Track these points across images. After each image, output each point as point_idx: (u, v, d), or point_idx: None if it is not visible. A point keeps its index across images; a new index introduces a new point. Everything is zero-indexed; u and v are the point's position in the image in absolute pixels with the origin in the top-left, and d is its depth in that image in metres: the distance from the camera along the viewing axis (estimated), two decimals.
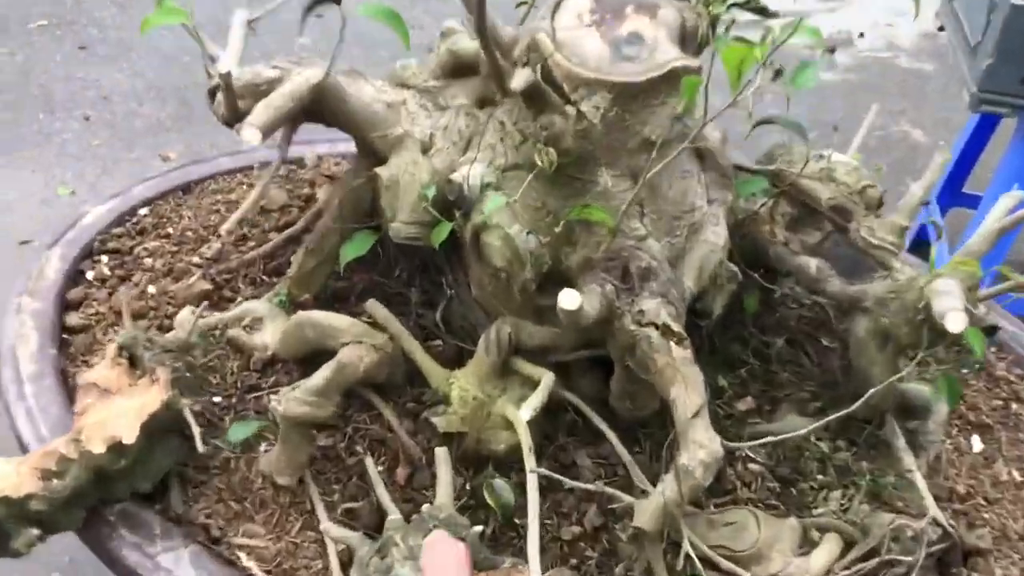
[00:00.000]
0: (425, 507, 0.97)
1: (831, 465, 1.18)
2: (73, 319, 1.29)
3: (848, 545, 1.08)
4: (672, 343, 1.01)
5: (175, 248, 1.41)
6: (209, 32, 1.14)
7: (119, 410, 1.05)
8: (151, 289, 1.33)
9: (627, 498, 1.01)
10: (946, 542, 1.11)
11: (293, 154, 1.62)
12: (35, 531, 1.00)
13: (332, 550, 1.05)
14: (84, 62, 3.69)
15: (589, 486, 1.02)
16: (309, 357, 1.17)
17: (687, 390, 0.99)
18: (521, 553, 1.05)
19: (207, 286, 1.33)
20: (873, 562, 1.05)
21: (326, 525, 0.99)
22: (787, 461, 1.18)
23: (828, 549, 1.07)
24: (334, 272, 1.30)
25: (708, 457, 0.96)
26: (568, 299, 0.93)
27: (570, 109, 1.00)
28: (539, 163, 0.99)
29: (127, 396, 1.07)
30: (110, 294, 1.34)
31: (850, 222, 1.18)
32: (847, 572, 1.04)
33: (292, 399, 1.04)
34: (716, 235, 1.09)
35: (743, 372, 1.27)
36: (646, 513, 0.97)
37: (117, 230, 1.44)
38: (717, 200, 1.11)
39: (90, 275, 1.37)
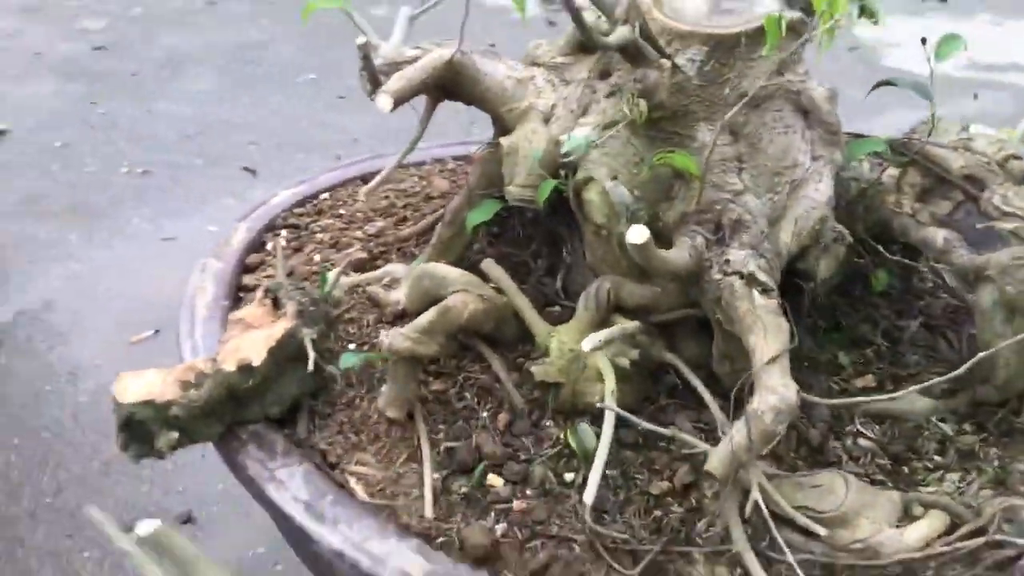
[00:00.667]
0: None
1: (953, 448, 1.10)
2: (248, 280, 1.46)
3: (956, 526, 1.01)
4: (755, 291, 1.00)
5: (344, 226, 1.56)
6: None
7: (253, 339, 1.18)
8: (316, 257, 1.48)
9: (703, 446, 1.00)
10: None
11: (461, 151, 1.75)
12: (175, 434, 1.14)
13: (428, 482, 1.12)
14: (341, 110, 4.10)
15: (663, 430, 1.02)
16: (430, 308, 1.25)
17: (766, 337, 0.97)
18: (611, 504, 1.07)
19: (363, 255, 1.46)
20: (978, 541, 0.97)
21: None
22: (902, 439, 1.11)
23: (929, 524, 1.00)
24: (471, 244, 1.39)
25: (780, 403, 0.94)
26: (636, 233, 0.95)
27: (665, 62, 1.04)
28: (628, 114, 1.03)
29: (264, 329, 1.20)
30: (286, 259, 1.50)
31: (983, 191, 1.11)
32: (945, 548, 0.97)
33: (398, 335, 1.13)
34: (818, 192, 1.07)
35: (869, 352, 1.21)
36: (716, 458, 0.96)
37: (299, 210, 1.62)
38: (823, 158, 1.09)
39: (269, 246, 1.54)
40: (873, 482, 1.07)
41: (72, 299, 3.08)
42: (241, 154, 3.73)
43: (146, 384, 1.13)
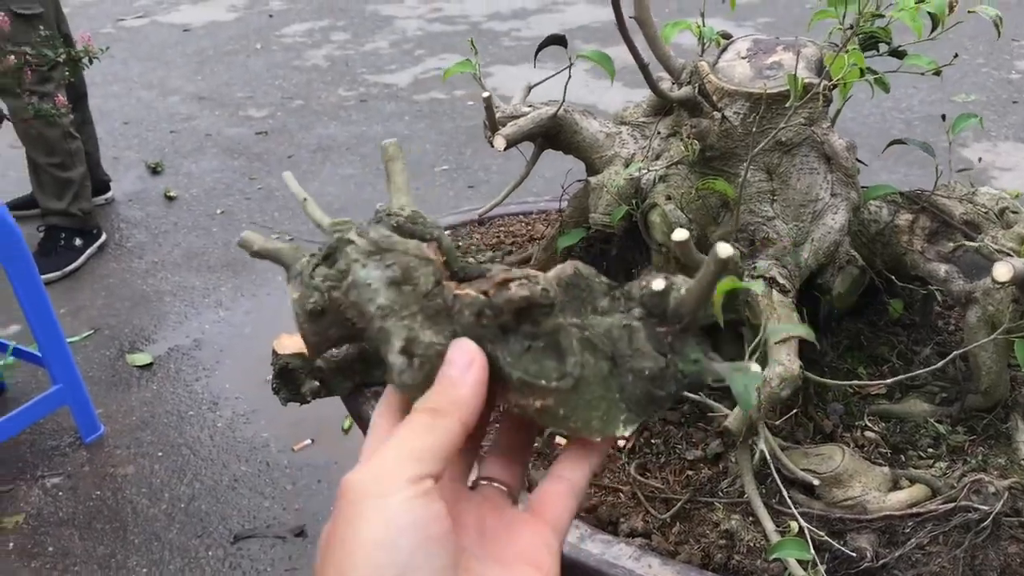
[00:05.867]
0: (380, 204, 0.71)
1: (944, 444, 1.30)
2: None
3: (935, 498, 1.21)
4: (775, 291, 1.25)
5: (460, 255, 1.88)
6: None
7: None
8: None
9: (724, 409, 1.24)
10: None
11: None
12: (316, 384, 1.45)
13: None
14: (468, 197, 4.50)
15: (695, 396, 1.26)
16: None
17: (779, 323, 1.22)
18: (652, 465, 1.31)
19: None
20: (949, 506, 1.17)
21: (245, 235, 0.68)
22: (902, 434, 1.32)
23: (910, 492, 1.20)
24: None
25: (785, 373, 1.18)
26: (679, 234, 1.23)
27: (716, 114, 1.33)
28: (685, 152, 1.32)
29: None
30: None
31: (979, 234, 1.34)
32: (921, 510, 1.17)
33: None
34: (834, 220, 1.32)
35: (884, 368, 1.43)
36: (732, 417, 1.20)
37: None
38: (840, 195, 1.34)
39: None
40: (873, 463, 1.29)
41: (218, 339, 3.51)
42: None
43: (298, 341, 1.45)
